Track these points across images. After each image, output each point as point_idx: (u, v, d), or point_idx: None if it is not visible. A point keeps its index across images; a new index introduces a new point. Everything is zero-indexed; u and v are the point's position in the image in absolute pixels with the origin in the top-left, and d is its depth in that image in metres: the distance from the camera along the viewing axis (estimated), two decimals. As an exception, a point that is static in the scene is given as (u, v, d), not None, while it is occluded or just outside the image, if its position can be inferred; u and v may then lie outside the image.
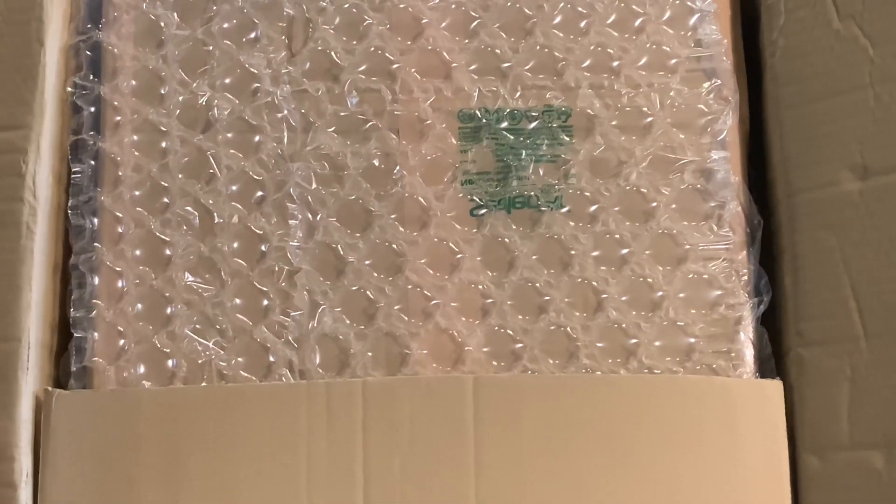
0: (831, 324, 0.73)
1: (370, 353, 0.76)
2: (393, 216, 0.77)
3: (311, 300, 0.76)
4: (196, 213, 0.77)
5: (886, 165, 0.72)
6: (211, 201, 0.77)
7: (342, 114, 0.79)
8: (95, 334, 0.75)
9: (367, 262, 0.77)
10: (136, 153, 0.78)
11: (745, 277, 0.77)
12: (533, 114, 0.79)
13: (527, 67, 0.79)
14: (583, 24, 0.80)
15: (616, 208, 0.77)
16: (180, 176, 0.78)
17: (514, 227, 0.77)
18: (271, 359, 0.76)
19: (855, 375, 0.72)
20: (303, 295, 0.76)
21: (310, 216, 0.77)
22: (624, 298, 0.76)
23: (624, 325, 0.76)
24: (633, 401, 0.72)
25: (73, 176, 0.77)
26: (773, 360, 0.76)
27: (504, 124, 0.78)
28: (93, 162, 0.78)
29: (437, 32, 0.80)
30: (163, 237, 0.77)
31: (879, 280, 0.72)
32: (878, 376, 0.71)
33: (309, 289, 0.76)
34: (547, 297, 0.76)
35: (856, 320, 0.72)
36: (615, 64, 0.79)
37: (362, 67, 0.79)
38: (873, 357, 0.71)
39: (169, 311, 0.76)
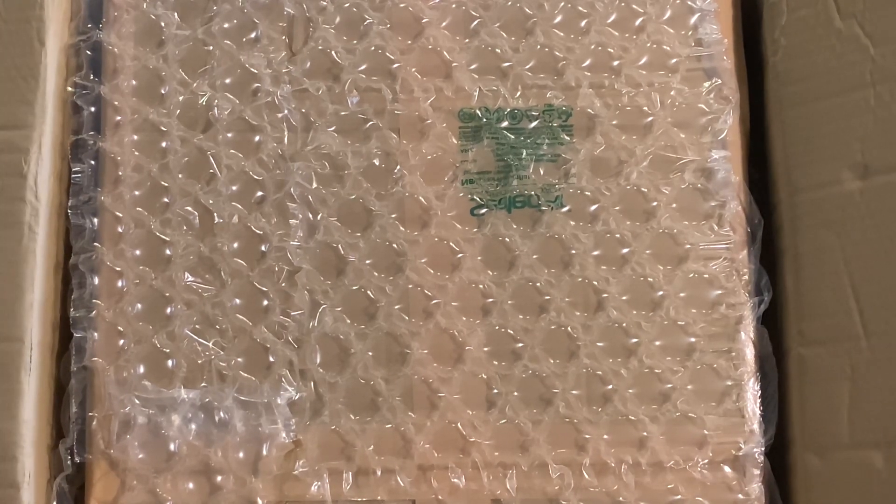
0: (832, 323, 0.74)
1: (371, 353, 0.76)
2: (393, 216, 0.77)
3: (311, 300, 0.76)
4: (196, 212, 0.77)
5: (887, 164, 0.72)
6: (211, 201, 0.77)
7: (343, 113, 0.79)
8: (95, 334, 0.75)
9: (367, 262, 0.77)
10: (137, 153, 0.78)
11: (746, 277, 0.77)
12: (533, 113, 0.78)
13: (527, 67, 0.79)
14: (583, 24, 0.80)
15: (616, 208, 0.77)
16: (180, 176, 0.77)
17: (515, 226, 0.77)
18: (271, 359, 0.76)
19: (855, 375, 0.72)
20: (303, 294, 0.76)
21: (310, 216, 0.77)
22: (624, 298, 0.76)
23: (624, 325, 0.76)
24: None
25: (73, 176, 0.77)
26: (773, 360, 0.76)
27: (504, 124, 0.78)
28: (93, 162, 0.78)
29: (437, 32, 0.79)
30: (163, 237, 0.77)
31: (880, 279, 0.72)
32: (879, 376, 0.71)
33: (309, 288, 0.76)
34: (547, 297, 0.76)
35: (856, 320, 0.72)
36: (616, 63, 0.79)
37: (363, 67, 0.79)
38: (874, 356, 0.71)
39: (169, 311, 0.76)
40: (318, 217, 0.77)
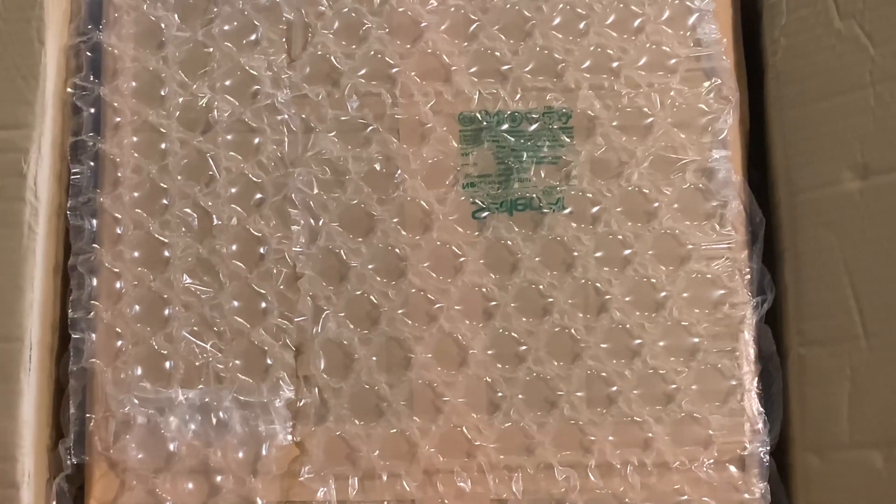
0: (832, 323, 0.74)
1: (374, 358, 0.75)
2: (395, 220, 0.77)
3: (314, 305, 0.76)
4: (195, 214, 0.77)
5: (887, 165, 0.73)
6: (210, 203, 0.77)
7: (342, 118, 0.78)
8: (94, 335, 0.75)
9: (369, 267, 0.77)
10: (136, 154, 0.77)
11: (748, 276, 0.77)
12: (533, 115, 0.79)
13: (527, 69, 0.79)
14: (582, 25, 0.80)
15: (618, 209, 0.77)
16: (179, 177, 0.77)
17: (517, 229, 0.77)
18: (269, 361, 0.75)
19: (855, 375, 0.72)
20: (306, 300, 0.76)
21: (312, 221, 0.77)
22: (627, 299, 0.76)
23: (628, 326, 0.76)
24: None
25: (72, 177, 0.77)
26: (777, 359, 0.76)
27: (505, 126, 0.78)
28: (92, 163, 0.77)
29: (436, 35, 0.80)
30: (161, 239, 0.76)
31: (880, 279, 0.72)
32: (878, 376, 0.71)
33: (312, 294, 0.76)
34: (550, 299, 0.76)
35: (856, 320, 0.73)
36: (615, 64, 0.79)
37: (362, 71, 0.79)
38: (873, 357, 0.72)
39: (167, 312, 0.76)
40: (320, 223, 0.77)
